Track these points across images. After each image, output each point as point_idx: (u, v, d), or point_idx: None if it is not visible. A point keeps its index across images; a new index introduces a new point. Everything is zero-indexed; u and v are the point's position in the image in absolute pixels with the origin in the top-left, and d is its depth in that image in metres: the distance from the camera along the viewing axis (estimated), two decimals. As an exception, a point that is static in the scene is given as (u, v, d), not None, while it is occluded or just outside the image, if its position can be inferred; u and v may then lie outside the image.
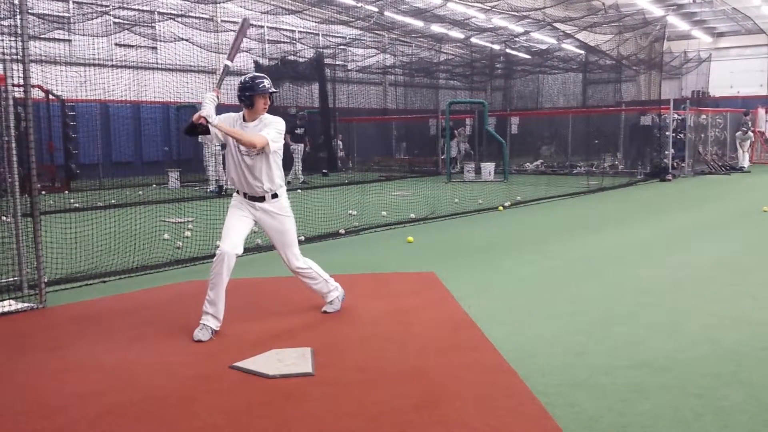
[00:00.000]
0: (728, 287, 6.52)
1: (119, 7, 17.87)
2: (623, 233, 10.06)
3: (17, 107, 6.80)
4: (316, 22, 21.50)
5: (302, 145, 19.49)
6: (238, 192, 5.30)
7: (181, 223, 10.75)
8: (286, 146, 6.51)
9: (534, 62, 25.98)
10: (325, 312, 5.61)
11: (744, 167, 22.51)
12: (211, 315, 5.06)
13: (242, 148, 5.07)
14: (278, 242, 5.37)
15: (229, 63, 5.26)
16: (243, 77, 5.20)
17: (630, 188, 17.31)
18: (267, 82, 5.16)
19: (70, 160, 17.85)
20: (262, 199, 5.22)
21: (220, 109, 5.11)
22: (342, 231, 9.92)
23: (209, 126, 4.98)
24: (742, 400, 3.81)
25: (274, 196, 5.24)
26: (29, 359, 4.70)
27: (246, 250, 8.17)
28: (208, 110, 4.91)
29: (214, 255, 5.15)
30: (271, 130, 5.05)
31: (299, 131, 19.46)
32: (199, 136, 5.19)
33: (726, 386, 4.01)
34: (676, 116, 20.48)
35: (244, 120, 5.16)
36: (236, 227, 5.18)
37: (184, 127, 5.14)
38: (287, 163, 19.07)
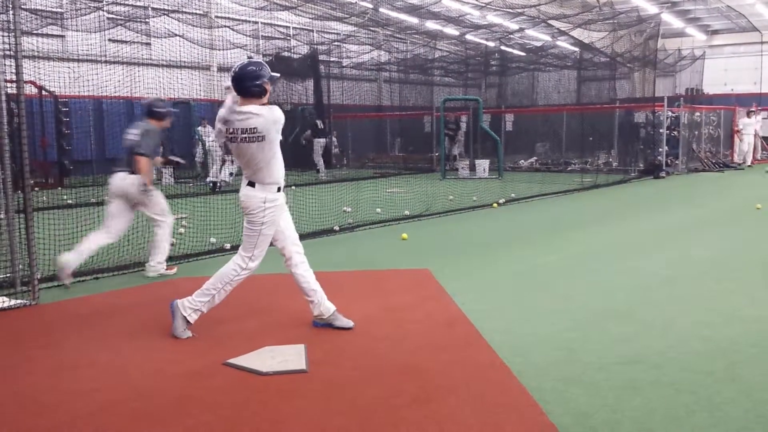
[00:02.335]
0: (721, 284, 6.55)
1: (113, 3, 17.82)
2: (617, 230, 10.09)
3: (10, 103, 6.75)
4: (310, 18, 21.45)
5: (323, 139, 20.09)
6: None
7: (175, 219, 10.71)
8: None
9: (529, 59, 25.99)
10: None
11: (742, 163, 22.60)
12: (200, 308, 5.02)
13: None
14: (291, 227, 5.23)
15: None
16: (241, 65, 4.79)
17: (624, 185, 17.35)
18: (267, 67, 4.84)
19: (63, 156, 17.79)
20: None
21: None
22: (336, 228, 9.91)
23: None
24: (735, 396, 3.82)
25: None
26: (22, 356, 4.68)
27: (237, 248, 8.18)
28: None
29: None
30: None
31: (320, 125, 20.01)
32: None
33: (719, 383, 4.02)
34: (670, 113, 20.53)
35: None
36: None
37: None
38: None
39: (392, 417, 3.62)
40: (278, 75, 4.85)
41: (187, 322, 4.96)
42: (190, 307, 4.95)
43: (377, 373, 4.25)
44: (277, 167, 4.94)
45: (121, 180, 6.89)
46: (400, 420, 3.59)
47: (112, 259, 7.61)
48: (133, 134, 6.97)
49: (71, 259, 6.58)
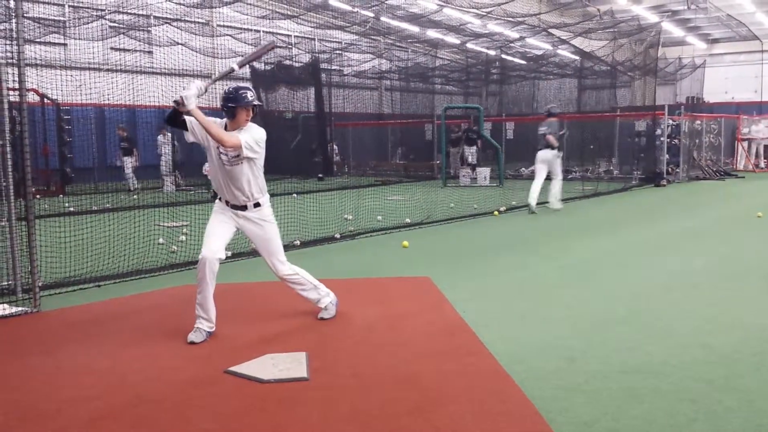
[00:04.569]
0: (721, 292, 6.54)
1: (115, 12, 17.88)
2: (617, 238, 10.08)
3: (12, 111, 6.77)
4: (312, 26, 21.53)
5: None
6: (220, 198, 5.28)
7: (176, 227, 10.74)
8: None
9: (529, 68, 26.06)
10: (321, 318, 5.57)
11: None
12: (203, 318, 5.08)
13: (223, 157, 5.03)
14: (263, 250, 5.34)
15: (236, 67, 5.09)
16: (227, 87, 5.12)
17: (625, 193, 17.36)
18: (251, 94, 5.09)
19: (64, 164, 17.83)
20: (244, 207, 5.19)
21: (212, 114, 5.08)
22: (337, 235, 9.92)
23: (186, 113, 4.80)
24: (735, 404, 3.82)
25: (257, 205, 5.21)
26: (22, 363, 4.68)
27: (240, 254, 8.21)
28: (188, 93, 4.71)
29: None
30: (247, 135, 4.97)
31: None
32: (176, 125, 5.01)
33: (719, 391, 4.02)
34: (670, 122, 20.55)
35: (226, 130, 5.09)
36: (217, 233, 5.16)
37: (167, 114, 4.98)
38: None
39: (393, 425, 3.62)
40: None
41: (197, 328, 5.07)
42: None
43: (378, 381, 4.25)
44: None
45: (544, 153, 12.82)
46: (400, 428, 3.58)
47: (113, 267, 7.61)
48: (543, 129, 12.85)
49: (535, 199, 12.80)
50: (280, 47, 24.15)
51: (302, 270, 5.53)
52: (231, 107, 5.01)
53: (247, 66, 22.28)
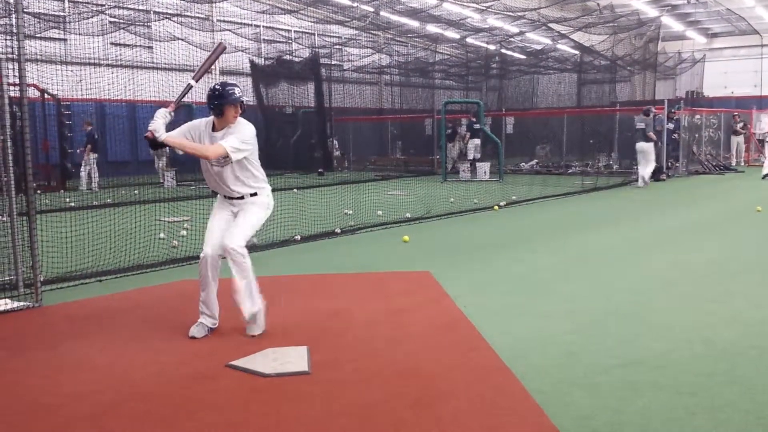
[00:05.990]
0: (721, 286, 6.56)
1: (115, 7, 17.85)
2: (617, 233, 10.09)
3: (13, 106, 6.77)
4: (312, 21, 21.53)
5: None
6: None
7: (176, 222, 10.74)
8: None
9: (529, 62, 26.03)
10: (251, 335, 5.01)
11: None
12: (207, 315, 5.09)
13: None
14: (234, 223, 5.09)
15: (192, 83, 5.08)
16: (213, 84, 5.03)
17: (624, 188, 17.35)
18: (238, 90, 5.00)
19: (65, 159, 17.81)
20: (241, 198, 5.13)
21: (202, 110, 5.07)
22: (338, 230, 9.93)
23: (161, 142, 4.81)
24: (736, 398, 3.83)
25: (253, 194, 5.14)
26: (24, 358, 4.70)
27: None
28: (155, 125, 4.75)
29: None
30: (232, 138, 4.87)
31: None
32: (159, 149, 5.02)
33: (719, 385, 4.03)
34: (674, 116, 20.51)
35: (213, 128, 5.01)
36: (217, 229, 5.09)
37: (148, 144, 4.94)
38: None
39: (393, 419, 3.64)
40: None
41: (200, 323, 5.08)
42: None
43: (379, 375, 4.26)
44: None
45: (641, 145, 16.35)
46: (401, 422, 3.60)
47: (114, 262, 7.62)
48: (641, 125, 16.56)
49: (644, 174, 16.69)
50: (279, 42, 24.13)
51: (251, 267, 5.04)
52: (218, 104, 4.91)
53: (248, 62, 22.38)
